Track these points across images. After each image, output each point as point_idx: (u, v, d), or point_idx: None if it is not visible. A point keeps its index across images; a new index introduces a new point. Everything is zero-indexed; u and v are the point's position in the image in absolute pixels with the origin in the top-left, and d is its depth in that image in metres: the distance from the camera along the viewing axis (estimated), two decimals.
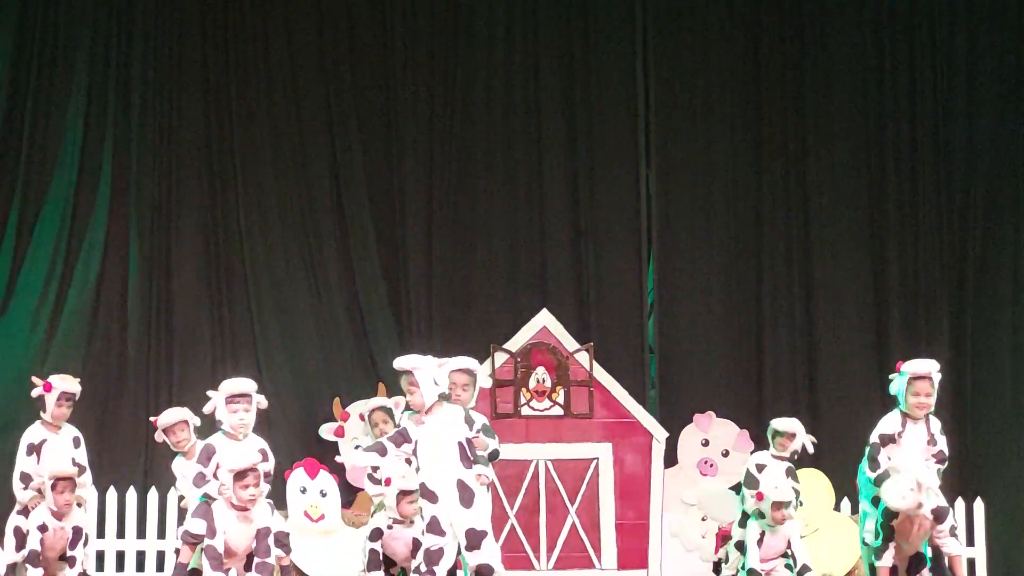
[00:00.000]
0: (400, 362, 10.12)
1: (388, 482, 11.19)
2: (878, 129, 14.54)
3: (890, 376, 11.06)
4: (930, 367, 10.91)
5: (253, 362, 13.84)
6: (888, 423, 10.90)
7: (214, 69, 14.14)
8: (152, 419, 11.55)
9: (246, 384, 10.83)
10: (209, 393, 10.82)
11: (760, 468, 12.02)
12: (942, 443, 10.91)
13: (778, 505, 11.53)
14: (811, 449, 12.14)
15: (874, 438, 10.88)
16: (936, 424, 10.98)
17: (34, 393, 11.42)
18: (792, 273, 14.45)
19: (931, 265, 14.41)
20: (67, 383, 11.50)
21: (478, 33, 14.41)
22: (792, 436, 12.03)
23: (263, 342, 13.92)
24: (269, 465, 10.95)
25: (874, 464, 10.79)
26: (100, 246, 13.82)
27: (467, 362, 10.69)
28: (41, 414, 11.43)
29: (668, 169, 14.45)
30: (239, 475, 10.65)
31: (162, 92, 14.03)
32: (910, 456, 10.75)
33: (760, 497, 11.62)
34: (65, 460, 11.36)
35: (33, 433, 11.44)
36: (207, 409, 10.85)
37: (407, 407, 10.17)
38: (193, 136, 14.09)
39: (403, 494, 11.09)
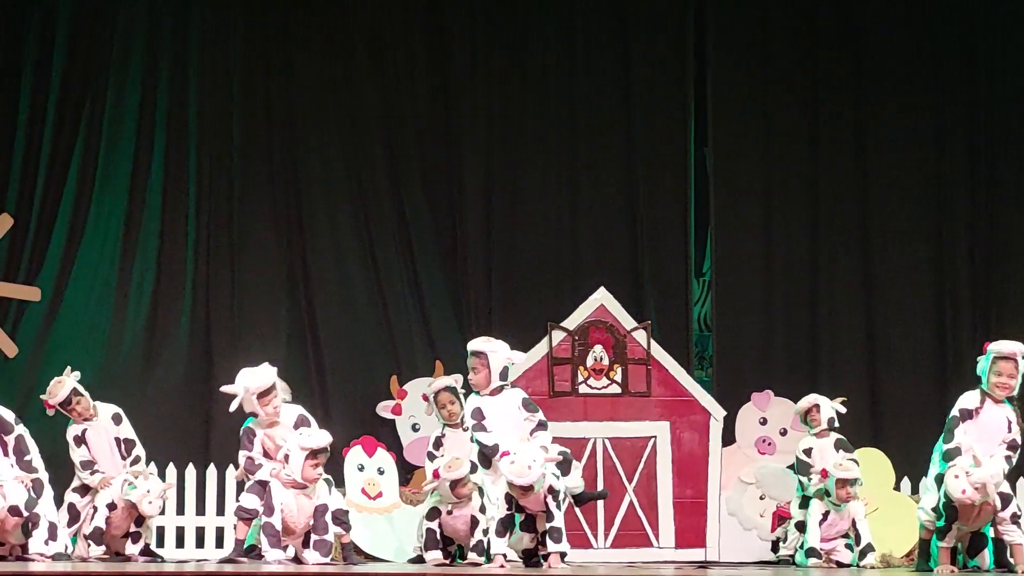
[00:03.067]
0: (475, 343, 10.77)
1: (436, 475, 11.10)
2: (937, 111, 14.43)
3: (977, 358, 11.04)
4: (1015, 348, 10.92)
5: (310, 339, 13.89)
6: (968, 399, 10.92)
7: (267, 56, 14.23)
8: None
9: None
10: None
11: (808, 452, 12.02)
12: (1015, 432, 10.87)
13: (843, 483, 11.49)
14: (843, 410, 12.12)
15: (954, 412, 10.92)
16: (1013, 413, 10.94)
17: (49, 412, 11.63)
18: (851, 250, 14.37)
19: (998, 243, 14.30)
20: (53, 393, 11.53)
21: (534, 30, 14.42)
22: (816, 407, 12.03)
23: (321, 319, 13.94)
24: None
25: (949, 436, 10.81)
26: (157, 235, 13.91)
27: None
28: None
29: (727, 148, 14.42)
30: (313, 453, 10.71)
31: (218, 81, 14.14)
32: (986, 442, 10.73)
33: (825, 474, 11.57)
34: (104, 444, 11.49)
35: (72, 428, 11.59)
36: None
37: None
38: (253, 112, 14.15)
39: (454, 483, 11.04)
